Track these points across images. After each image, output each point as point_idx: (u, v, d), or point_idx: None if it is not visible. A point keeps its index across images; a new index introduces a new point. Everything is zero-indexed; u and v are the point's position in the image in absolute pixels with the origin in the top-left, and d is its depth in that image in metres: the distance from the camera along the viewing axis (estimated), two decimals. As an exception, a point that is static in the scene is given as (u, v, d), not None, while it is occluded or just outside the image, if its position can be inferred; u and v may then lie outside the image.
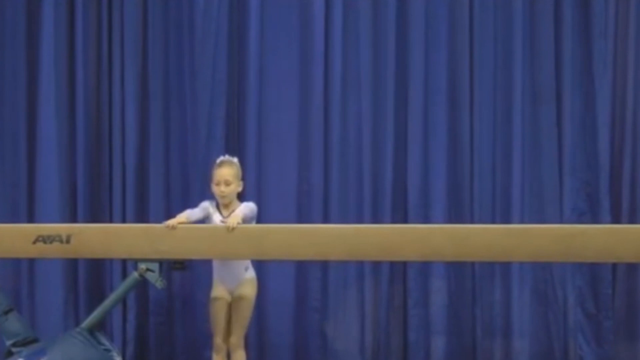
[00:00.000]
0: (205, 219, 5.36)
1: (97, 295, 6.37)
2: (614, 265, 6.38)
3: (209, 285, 6.24)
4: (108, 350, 5.21)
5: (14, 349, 5.17)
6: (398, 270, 6.45)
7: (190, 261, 5.46)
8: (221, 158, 5.49)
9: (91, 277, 6.55)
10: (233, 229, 5.02)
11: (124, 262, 6.27)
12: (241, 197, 5.53)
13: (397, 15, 6.52)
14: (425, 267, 6.40)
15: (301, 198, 6.52)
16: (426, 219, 6.38)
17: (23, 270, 6.54)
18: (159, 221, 5.37)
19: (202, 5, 6.55)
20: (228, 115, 6.55)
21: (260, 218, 6.32)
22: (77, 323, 5.78)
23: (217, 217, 5.34)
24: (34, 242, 5.10)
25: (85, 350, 5.11)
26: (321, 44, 6.53)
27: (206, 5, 6.55)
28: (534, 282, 6.43)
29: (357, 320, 6.49)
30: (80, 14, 6.58)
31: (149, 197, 6.51)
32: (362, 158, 6.52)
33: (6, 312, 5.21)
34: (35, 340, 5.23)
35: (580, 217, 6.39)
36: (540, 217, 6.37)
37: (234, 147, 6.44)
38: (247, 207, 5.30)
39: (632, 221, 6.33)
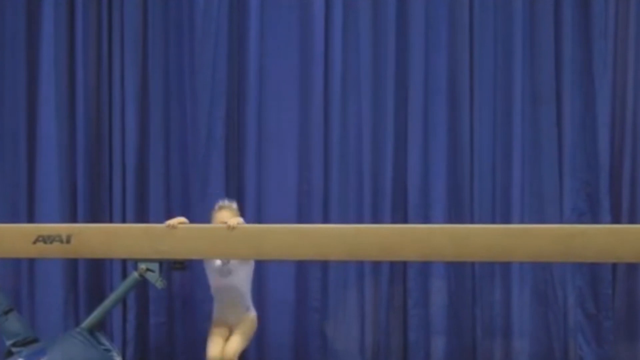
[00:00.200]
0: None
1: (97, 295, 6.37)
2: (614, 266, 6.38)
3: (208, 284, 6.26)
4: (108, 350, 5.22)
5: (14, 349, 5.18)
6: (398, 271, 6.46)
7: (190, 261, 5.47)
8: (220, 203, 5.53)
9: (91, 277, 6.55)
10: (233, 228, 5.02)
11: (124, 262, 6.27)
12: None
13: (397, 16, 6.52)
14: (425, 267, 6.41)
15: (301, 198, 6.52)
16: (426, 219, 6.38)
17: (23, 270, 6.54)
18: (159, 221, 5.39)
19: (202, 5, 6.55)
20: (228, 115, 6.55)
21: (260, 218, 6.40)
22: (77, 323, 5.79)
23: (216, 264, 5.45)
24: (34, 242, 5.11)
25: (85, 350, 5.12)
26: (321, 44, 6.53)
27: (206, 5, 6.55)
28: (534, 282, 6.43)
29: (357, 321, 6.49)
30: (80, 14, 6.59)
31: (149, 197, 6.51)
32: (362, 158, 6.52)
33: (6, 312, 5.23)
34: (35, 340, 5.24)
35: (580, 217, 6.39)
36: (540, 217, 6.38)
37: (234, 147, 6.45)
38: None
39: (632, 221, 6.33)
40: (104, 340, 5.26)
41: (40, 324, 6.37)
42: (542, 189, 6.47)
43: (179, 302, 6.53)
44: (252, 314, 5.56)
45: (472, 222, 6.37)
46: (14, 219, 6.34)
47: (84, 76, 6.59)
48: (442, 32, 6.52)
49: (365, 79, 6.53)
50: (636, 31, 6.51)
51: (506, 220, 6.36)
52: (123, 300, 6.07)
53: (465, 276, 6.43)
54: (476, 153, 6.49)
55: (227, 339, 5.44)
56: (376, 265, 6.41)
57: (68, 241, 5.10)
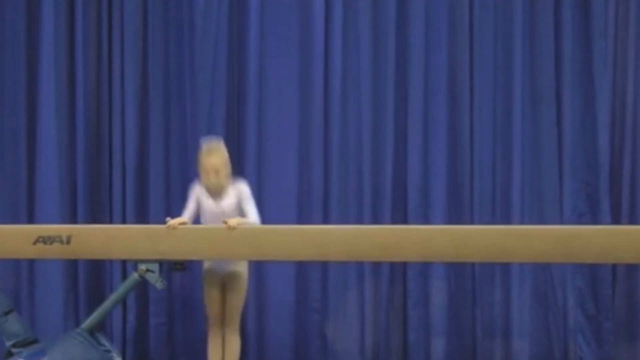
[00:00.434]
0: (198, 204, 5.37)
1: (97, 296, 6.37)
2: (614, 266, 6.38)
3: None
4: (108, 351, 5.22)
5: (14, 350, 5.18)
6: (398, 271, 6.46)
7: (190, 262, 5.47)
8: (208, 145, 5.41)
9: (91, 277, 6.55)
10: (234, 228, 5.01)
11: (124, 262, 6.27)
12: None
13: (397, 16, 6.52)
14: (425, 268, 6.41)
15: (301, 198, 6.52)
16: (426, 220, 6.39)
17: (23, 271, 6.54)
18: (159, 221, 5.37)
19: (202, 5, 6.55)
20: (228, 115, 6.55)
21: (260, 217, 6.38)
22: (77, 324, 5.80)
23: (209, 204, 5.33)
24: (34, 243, 5.11)
25: (85, 351, 5.12)
26: (321, 43, 6.53)
27: (206, 5, 6.54)
28: (534, 283, 6.43)
29: (357, 321, 6.49)
30: (80, 14, 6.58)
31: (149, 197, 6.52)
32: (362, 158, 6.52)
33: (6, 313, 5.23)
34: (35, 341, 5.24)
35: (580, 218, 6.40)
36: (540, 218, 6.38)
37: (234, 147, 6.44)
38: (252, 222, 5.27)
39: (632, 222, 6.33)
40: (104, 340, 5.26)
41: (40, 325, 6.37)
42: (542, 189, 6.47)
43: (178, 302, 6.53)
44: (243, 262, 5.43)
45: (472, 222, 6.38)
46: (14, 218, 6.33)
47: (83, 76, 6.59)
48: (442, 32, 6.52)
49: (365, 79, 6.53)
50: (636, 31, 6.51)
51: (506, 220, 6.36)
52: (123, 301, 6.06)
53: (465, 277, 6.43)
54: (476, 153, 6.49)
55: (222, 300, 5.41)
56: (376, 266, 6.40)
57: (68, 242, 5.10)
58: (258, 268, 6.39)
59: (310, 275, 6.45)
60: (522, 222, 6.31)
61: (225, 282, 5.40)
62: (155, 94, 6.57)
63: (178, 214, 5.42)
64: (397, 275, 6.46)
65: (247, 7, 6.55)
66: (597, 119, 6.45)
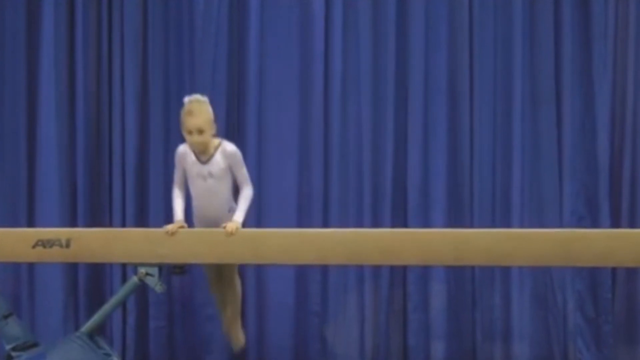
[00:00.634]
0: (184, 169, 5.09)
1: (96, 299, 6.38)
2: (614, 270, 6.39)
3: (208, 288, 6.26)
4: (108, 355, 5.20)
5: (13, 353, 5.17)
6: (398, 274, 6.47)
7: (190, 265, 5.46)
8: (191, 100, 5.03)
9: (91, 281, 6.56)
10: (232, 234, 4.98)
11: (123, 266, 6.26)
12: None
13: (397, 16, 6.53)
14: (425, 271, 6.42)
15: (301, 199, 6.54)
16: (426, 222, 6.40)
17: (23, 275, 6.55)
18: (159, 224, 5.36)
19: (202, 6, 6.56)
20: (228, 115, 6.55)
21: (260, 221, 6.39)
22: (77, 327, 5.77)
23: (195, 166, 5.04)
24: (34, 247, 5.08)
25: (85, 354, 5.11)
26: (321, 44, 6.54)
27: (206, 6, 6.55)
28: (533, 286, 6.44)
29: (357, 324, 6.50)
30: (80, 15, 6.59)
31: (149, 200, 6.53)
32: (362, 159, 6.54)
33: (6, 317, 5.20)
34: (35, 345, 5.23)
35: (579, 221, 6.40)
36: (539, 221, 6.39)
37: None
38: (247, 199, 5.06)
39: (631, 225, 6.34)
40: (103, 344, 5.24)
41: (40, 328, 6.37)
42: (542, 191, 6.48)
43: (178, 306, 6.54)
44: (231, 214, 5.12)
45: (471, 224, 6.39)
46: (13, 222, 6.37)
47: (83, 77, 6.60)
48: (442, 32, 6.53)
49: (365, 79, 6.53)
50: (636, 32, 6.51)
51: (506, 222, 6.37)
52: (123, 305, 6.07)
53: (465, 280, 6.44)
54: (476, 155, 6.50)
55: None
56: (376, 269, 6.42)
57: (67, 245, 5.06)
58: (258, 271, 6.40)
59: (310, 278, 6.46)
60: (521, 225, 6.33)
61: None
62: (155, 95, 6.59)
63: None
64: (397, 278, 6.47)
65: (247, 7, 6.56)
66: (597, 121, 6.46)
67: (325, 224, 6.42)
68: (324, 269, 6.44)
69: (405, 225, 6.41)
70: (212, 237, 5.08)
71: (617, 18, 6.53)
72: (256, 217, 6.35)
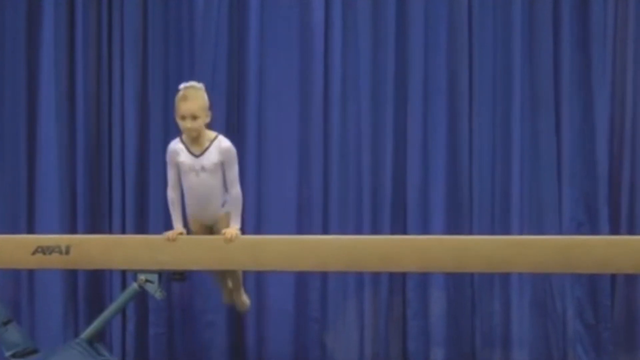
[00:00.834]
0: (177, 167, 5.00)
1: (96, 306, 6.37)
2: (613, 276, 6.39)
3: (208, 295, 6.26)
4: (107, 361, 5.22)
5: (13, 360, 5.19)
6: (397, 281, 6.46)
7: (190, 272, 5.46)
8: (185, 86, 4.97)
9: (91, 288, 6.55)
10: (231, 241, 4.97)
11: (123, 272, 6.25)
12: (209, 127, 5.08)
13: (396, 18, 6.54)
14: (424, 278, 6.41)
15: (301, 204, 6.54)
16: (425, 228, 6.40)
17: (22, 281, 6.54)
18: (159, 231, 5.36)
19: (201, 7, 6.57)
20: (228, 118, 6.55)
21: (259, 226, 6.40)
22: (77, 334, 5.78)
23: (188, 159, 4.95)
24: (33, 253, 5.07)
25: (84, 360, 5.12)
26: (321, 46, 6.55)
27: (206, 7, 6.56)
28: (533, 292, 6.43)
29: (356, 331, 6.49)
30: (80, 16, 6.59)
31: (149, 206, 6.52)
32: (361, 165, 6.53)
33: (5, 323, 5.20)
34: (34, 351, 5.23)
35: (579, 227, 6.40)
36: (539, 227, 6.39)
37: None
38: (237, 201, 4.98)
39: (630, 231, 6.35)
40: (103, 350, 5.24)
41: (39, 335, 6.36)
42: (541, 198, 6.48)
43: (178, 312, 6.52)
44: (225, 210, 5.08)
45: (471, 231, 6.39)
46: (13, 228, 6.33)
47: (83, 81, 6.59)
48: (441, 36, 6.53)
49: (364, 82, 6.54)
50: (635, 37, 6.52)
51: (505, 229, 6.38)
52: (122, 311, 6.04)
53: (465, 287, 6.43)
54: (475, 161, 6.50)
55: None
56: (375, 275, 6.41)
57: (67, 252, 5.06)
58: (258, 277, 6.39)
59: (309, 285, 6.45)
60: (521, 231, 6.33)
61: (211, 228, 5.19)
62: (155, 99, 6.59)
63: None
64: (397, 285, 6.46)
65: (246, 8, 6.57)
66: (596, 127, 6.46)
67: (325, 230, 6.43)
68: (324, 276, 6.44)
69: (404, 232, 6.41)
70: (212, 244, 5.08)
71: (616, 22, 6.54)
72: (256, 221, 6.38)
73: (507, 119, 6.50)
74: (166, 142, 6.27)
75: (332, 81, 6.55)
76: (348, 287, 6.48)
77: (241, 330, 6.53)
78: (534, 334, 6.43)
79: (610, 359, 6.39)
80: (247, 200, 6.37)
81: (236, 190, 4.99)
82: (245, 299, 5.41)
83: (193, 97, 4.90)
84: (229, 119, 6.53)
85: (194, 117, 4.87)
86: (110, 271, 6.38)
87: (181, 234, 5.06)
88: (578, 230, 6.36)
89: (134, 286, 5.14)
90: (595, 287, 6.41)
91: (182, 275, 5.27)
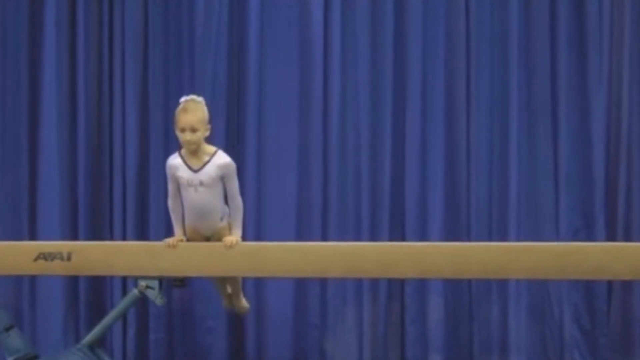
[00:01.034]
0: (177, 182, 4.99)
1: (97, 312, 6.37)
2: (609, 282, 6.41)
3: (208, 301, 6.27)
4: (108, 366, 5.23)
5: (15, 366, 5.20)
6: (396, 287, 6.49)
7: (190, 278, 5.47)
8: (186, 99, 4.94)
9: (92, 294, 6.56)
10: (231, 247, 4.95)
11: (124, 279, 6.28)
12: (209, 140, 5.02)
13: (394, 27, 6.57)
14: (422, 284, 6.44)
15: (300, 212, 6.56)
16: (423, 236, 6.43)
17: (24, 287, 6.56)
18: (159, 237, 5.35)
19: (202, 10, 6.60)
20: (228, 126, 6.59)
21: (259, 233, 6.43)
22: (78, 339, 5.79)
23: (186, 174, 4.92)
24: (35, 260, 5.06)
25: (85, 366, 5.13)
26: (320, 55, 6.59)
27: (206, 12, 6.59)
28: (530, 298, 6.46)
29: (355, 337, 6.51)
30: (81, 17, 6.62)
31: (150, 213, 6.54)
32: (360, 173, 6.56)
33: (7, 329, 5.18)
34: (36, 357, 5.21)
35: (575, 234, 6.43)
36: (536, 234, 6.41)
37: (234, 153, 6.44)
38: (238, 212, 4.99)
39: (627, 238, 6.37)
40: (104, 356, 5.23)
41: (41, 341, 6.39)
42: (538, 205, 6.51)
43: (178, 318, 6.54)
44: (226, 221, 5.06)
45: (469, 238, 6.42)
46: (15, 234, 6.38)
47: (85, 86, 6.63)
48: (439, 45, 6.57)
49: (363, 90, 6.58)
50: (631, 45, 6.55)
51: (503, 236, 6.41)
52: (123, 317, 6.05)
53: (463, 293, 6.46)
54: (473, 169, 6.54)
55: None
56: (374, 282, 6.44)
57: (69, 259, 5.05)
58: (258, 284, 6.41)
59: (309, 291, 6.47)
60: (518, 238, 6.35)
61: (209, 239, 5.15)
62: (156, 106, 6.62)
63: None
64: (395, 291, 6.49)
65: (246, 10, 6.60)
66: (593, 135, 6.50)
67: (324, 236, 6.46)
68: (323, 282, 6.46)
69: (403, 239, 6.43)
70: (212, 251, 5.08)
71: (612, 31, 6.57)
72: (255, 228, 6.40)
73: (504, 126, 6.53)
74: (167, 149, 6.35)
75: (331, 88, 6.58)
76: (347, 293, 6.50)
77: (241, 335, 6.54)
78: (532, 339, 6.45)
79: (607, 364, 6.43)
80: (247, 207, 6.35)
81: (237, 202, 5.00)
82: (244, 303, 5.41)
83: (193, 109, 4.88)
84: (229, 123, 6.56)
85: (194, 130, 4.84)
86: (111, 277, 6.40)
87: (181, 240, 5.05)
88: (575, 237, 6.38)
89: (134, 292, 5.13)
90: (592, 293, 6.44)
91: (182, 282, 5.26)
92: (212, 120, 5.51)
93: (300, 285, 6.48)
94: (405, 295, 6.48)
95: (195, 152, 4.90)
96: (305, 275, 5.74)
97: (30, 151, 6.65)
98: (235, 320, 6.49)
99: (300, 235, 6.44)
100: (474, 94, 6.56)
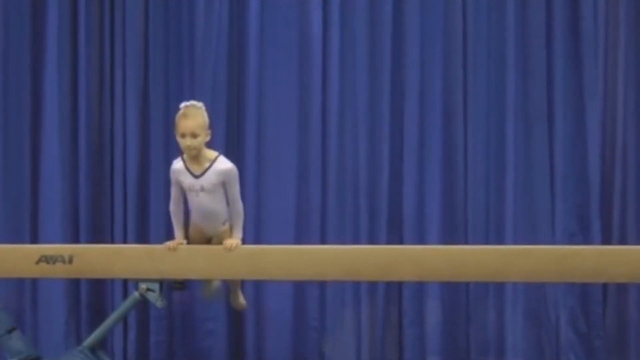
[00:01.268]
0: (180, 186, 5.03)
1: (98, 314, 6.39)
2: (605, 285, 6.44)
3: (208, 303, 6.28)
4: (109, 369, 5.25)
5: (17, 367, 5.22)
6: (394, 290, 6.50)
7: (190, 281, 5.49)
8: (186, 105, 4.94)
9: (93, 296, 6.58)
10: (231, 250, 4.98)
11: (125, 282, 6.30)
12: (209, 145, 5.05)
13: (392, 32, 6.60)
14: (420, 287, 6.46)
15: (299, 217, 6.58)
16: (421, 240, 6.44)
17: (26, 290, 6.58)
18: (160, 241, 5.38)
19: (202, 10, 6.62)
20: (228, 133, 6.62)
21: (258, 237, 6.44)
22: (79, 341, 5.75)
23: (187, 179, 4.96)
24: (37, 263, 5.09)
25: (87, 368, 5.16)
26: (319, 62, 6.61)
27: (206, 11, 6.62)
28: (526, 301, 6.47)
29: (354, 339, 6.53)
30: (82, 19, 6.64)
31: (150, 216, 6.57)
32: (358, 177, 6.58)
33: (9, 331, 5.20)
34: (37, 359, 5.23)
35: (571, 238, 6.45)
36: (532, 238, 6.43)
37: (234, 156, 6.45)
38: (239, 216, 5.02)
39: (622, 242, 6.40)
40: (105, 358, 5.25)
41: (42, 343, 6.41)
42: (534, 209, 6.53)
43: (178, 320, 6.56)
44: (227, 225, 5.11)
45: (466, 242, 6.44)
46: (17, 238, 6.41)
47: (85, 82, 6.64)
48: (436, 54, 6.59)
49: (361, 96, 6.61)
50: (626, 52, 6.58)
51: (499, 240, 6.43)
52: (124, 319, 6.08)
53: (460, 296, 6.48)
54: (470, 174, 6.57)
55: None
56: (372, 285, 6.45)
57: (70, 261, 5.08)
58: (257, 286, 6.42)
59: (308, 294, 6.50)
60: (515, 242, 6.37)
61: (210, 240, 5.23)
62: (156, 113, 6.64)
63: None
64: (393, 294, 6.51)
65: (246, 10, 6.63)
66: (588, 140, 6.52)
67: (323, 240, 6.47)
68: (322, 285, 6.48)
69: (400, 242, 6.46)
70: (212, 253, 5.10)
71: (607, 35, 6.61)
72: (255, 233, 6.41)
73: (501, 132, 6.56)
74: (167, 152, 6.42)
75: (330, 90, 6.61)
76: (346, 296, 6.52)
77: (240, 338, 6.56)
78: (528, 342, 6.47)
79: (602, 366, 6.46)
80: (246, 211, 6.32)
81: (237, 207, 5.03)
82: (242, 300, 5.43)
83: (193, 115, 4.89)
84: (228, 125, 6.58)
85: (194, 135, 4.85)
86: (112, 280, 6.43)
87: (182, 243, 5.08)
88: (570, 241, 6.40)
89: (135, 295, 5.16)
90: (588, 296, 6.46)
91: (182, 284, 5.29)
92: (212, 122, 5.57)
93: (300, 288, 6.50)
94: (403, 298, 6.51)
95: (196, 157, 4.92)
96: (304, 278, 5.78)
97: (32, 154, 6.68)
98: (235, 323, 6.52)
99: (299, 239, 6.46)
100: (471, 98, 6.59)
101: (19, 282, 6.51)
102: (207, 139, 4.94)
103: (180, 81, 6.66)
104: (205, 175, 4.95)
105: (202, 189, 4.97)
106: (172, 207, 5.14)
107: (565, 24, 6.58)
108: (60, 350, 6.04)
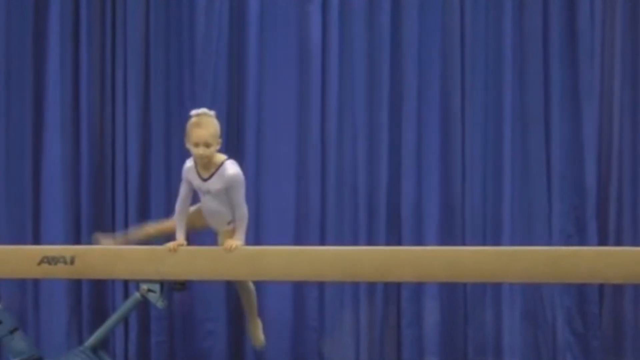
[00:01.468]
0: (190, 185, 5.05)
1: (100, 314, 6.41)
2: (601, 286, 6.47)
3: (208, 304, 6.30)
4: (111, 369, 5.27)
5: (19, 368, 5.25)
6: (392, 291, 6.54)
7: (191, 282, 5.52)
8: (198, 114, 4.93)
9: (94, 297, 6.61)
10: (231, 251, 4.99)
11: (126, 282, 6.32)
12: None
13: (391, 35, 6.64)
14: (418, 288, 6.49)
15: (299, 218, 6.61)
16: (419, 241, 6.47)
17: (28, 291, 6.60)
18: (161, 242, 5.34)
19: (202, 12, 6.65)
20: (228, 136, 6.56)
21: (258, 238, 6.45)
22: (81, 342, 5.82)
23: (196, 181, 4.99)
24: (39, 264, 5.11)
25: (88, 368, 5.18)
26: (318, 65, 6.64)
27: (206, 13, 6.65)
28: (524, 302, 6.51)
29: (352, 339, 6.55)
30: (84, 21, 6.67)
31: (151, 218, 6.44)
32: (357, 179, 6.61)
33: (12, 331, 5.22)
34: (39, 359, 5.25)
35: (568, 239, 6.49)
36: (529, 239, 6.46)
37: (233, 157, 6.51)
38: (242, 220, 5.05)
39: (618, 243, 6.43)
40: (106, 358, 5.27)
41: (44, 343, 6.43)
42: (531, 211, 6.57)
43: (179, 321, 6.58)
44: (232, 225, 5.12)
45: (464, 242, 6.47)
46: (20, 238, 6.45)
47: (87, 85, 6.67)
48: (434, 58, 6.63)
49: (360, 99, 6.64)
50: (622, 54, 6.62)
51: (497, 241, 6.46)
52: (125, 320, 6.11)
53: (458, 296, 6.52)
54: (468, 176, 6.60)
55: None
56: (371, 285, 6.48)
57: (72, 262, 5.10)
58: (256, 287, 6.39)
59: (307, 295, 6.53)
60: (512, 243, 6.40)
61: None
62: (157, 116, 6.67)
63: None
64: (392, 294, 6.54)
65: (246, 13, 6.65)
66: (585, 142, 6.56)
67: (322, 241, 6.50)
68: (321, 286, 6.50)
69: (399, 243, 6.49)
70: (212, 255, 5.12)
71: (603, 39, 6.64)
72: (254, 234, 6.39)
73: (498, 134, 6.60)
74: (168, 154, 6.49)
75: (329, 92, 6.64)
76: (344, 296, 6.55)
77: (241, 338, 6.56)
78: (525, 342, 6.50)
79: (599, 366, 6.48)
80: (247, 200, 6.45)
81: (241, 211, 5.05)
82: (260, 335, 5.44)
83: (206, 124, 4.89)
84: (228, 126, 6.57)
85: (207, 145, 4.86)
86: (113, 281, 6.45)
87: (182, 245, 5.09)
88: (567, 242, 6.44)
89: (136, 296, 5.18)
90: (584, 296, 6.50)
91: (183, 285, 5.29)
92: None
93: (299, 288, 6.53)
94: (402, 298, 6.54)
95: (206, 164, 4.97)
96: (304, 279, 5.81)
97: (34, 155, 6.70)
98: (235, 323, 6.53)
99: (298, 240, 6.49)
100: (468, 100, 6.62)
101: (21, 283, 6.54)
102: (218, 147, 4.96)
103: (180, 82, 6.68)
104: (211, 180, 4.99)
105: (208, 192, 5.01)
106: (178, 205, 5.16)
107: (561, 26, 6.61)
108: (62, 351, 6.06)
